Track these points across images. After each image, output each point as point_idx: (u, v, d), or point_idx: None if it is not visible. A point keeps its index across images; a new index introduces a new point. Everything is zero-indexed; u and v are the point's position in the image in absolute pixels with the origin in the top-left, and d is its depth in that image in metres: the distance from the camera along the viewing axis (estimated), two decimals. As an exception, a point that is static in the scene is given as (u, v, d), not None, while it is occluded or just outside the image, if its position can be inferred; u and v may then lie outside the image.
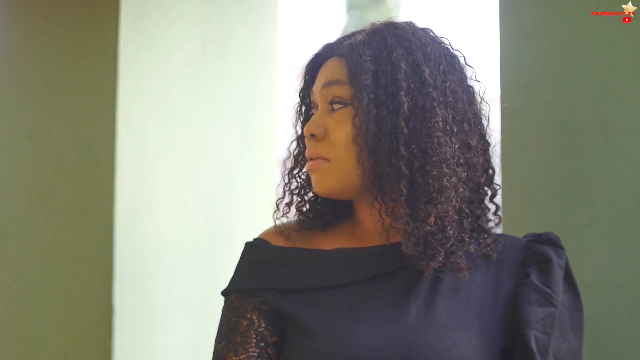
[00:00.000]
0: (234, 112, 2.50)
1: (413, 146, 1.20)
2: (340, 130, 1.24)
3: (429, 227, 1.20)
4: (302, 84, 1.36)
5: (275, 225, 1.37)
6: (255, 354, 1.25)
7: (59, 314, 2.29)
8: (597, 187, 1.52)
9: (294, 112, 1.38)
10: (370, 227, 1.30)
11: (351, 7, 19.43)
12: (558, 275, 1.27)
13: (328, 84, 1.26)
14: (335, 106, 1.26)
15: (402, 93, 1.20)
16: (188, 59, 2.37)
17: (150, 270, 2.26)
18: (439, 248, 1.22)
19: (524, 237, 1.36)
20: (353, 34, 1.31)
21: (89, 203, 2.22)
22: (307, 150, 1.29)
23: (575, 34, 1.57)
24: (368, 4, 19.09)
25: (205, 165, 2.43)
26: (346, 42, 1.28)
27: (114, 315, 2.13)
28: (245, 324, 1.27)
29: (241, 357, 1.25)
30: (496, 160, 1.36)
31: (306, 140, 1.30)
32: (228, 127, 2.48)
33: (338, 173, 1.24)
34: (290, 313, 1.25)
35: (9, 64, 2.47)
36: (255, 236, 1.37)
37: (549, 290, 1.25)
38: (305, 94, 1.36)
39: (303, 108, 1.37)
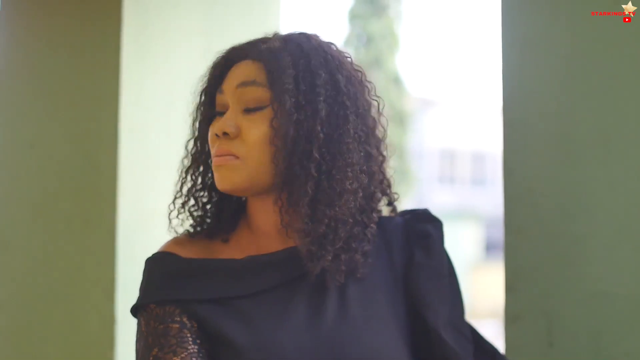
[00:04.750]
0: (236, 123, 2.50)
1: (324, 150, 1.24)
2: (256, 130, 1.26)
3: (323, 228, 1.24)
4: (207, 83, 1.37)
5: (175, 238, 1.40)
6: (195, 350, 1.23)
7: (60, 324, 2.28)
8: (598, 197, 1.52)
9: (194, 111, 1.39)
10: (269, 230, 1.31)
11: (353, 17, 19.47)
12: (439, 247, 1.34)
13: (244, 84, 1.28)
14: (251, 106, 1.28)
15: (320, 99, 1.24)
16: (190, 70, 2.37)
17: (152, 281, 2.25)
18: (329, 248, 1.25)
19: (400, 214, 1.41)
20: (263, 40, 1.35)
21: (91, 213, 2.22)
22: (215, 148, 1.29)
23: (577, 44, 1.57)
24: (370, 14, 19.13)
25: (207, 176, 2.42)
26: (264, 47, 1.31)
27: (116, 326, 2.12)
28: (176, 327, 1.24)
29: (182, 355, 1.21)
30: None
31: (212, 138, 1.31)
32: (230, 138, 2.48)
33: (248, 171, 1.26)
34: (214, 325, 1.24)
35: (11, 75, 2.48)
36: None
37: (434, 263, 1.32)
38: (210, 93, 1.36)
39: (203, 108, 1.37)
